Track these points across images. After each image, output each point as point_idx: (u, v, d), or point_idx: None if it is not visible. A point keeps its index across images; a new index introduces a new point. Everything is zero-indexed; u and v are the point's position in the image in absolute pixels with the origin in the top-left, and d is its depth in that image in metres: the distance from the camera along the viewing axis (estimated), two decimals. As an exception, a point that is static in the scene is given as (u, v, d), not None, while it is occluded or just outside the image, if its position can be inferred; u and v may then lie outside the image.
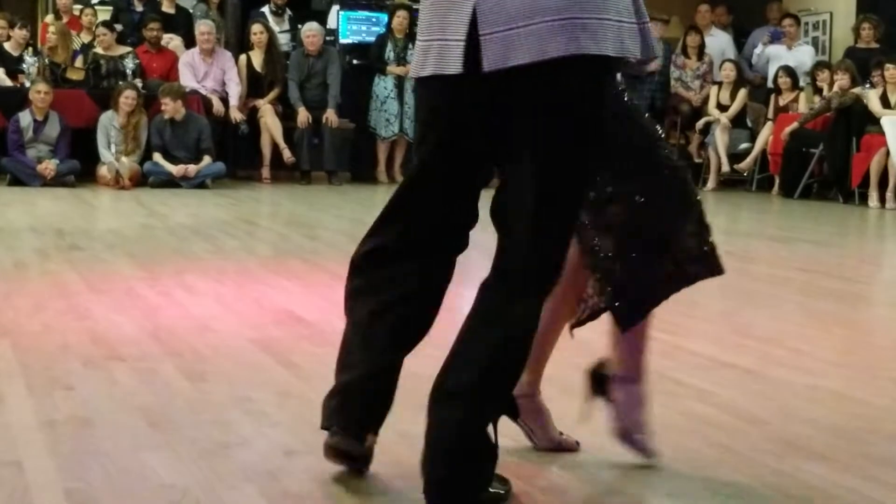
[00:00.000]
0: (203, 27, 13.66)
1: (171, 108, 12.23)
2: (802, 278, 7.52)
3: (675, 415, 3.88)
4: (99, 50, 13.42)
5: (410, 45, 14.12)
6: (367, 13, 14.97)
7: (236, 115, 13.43)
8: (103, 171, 12.16)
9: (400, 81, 14.01)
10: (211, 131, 12.70)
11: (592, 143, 2.91)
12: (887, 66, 12.98)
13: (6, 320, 5.18)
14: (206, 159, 12.45)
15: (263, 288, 6.33)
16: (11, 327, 5.02)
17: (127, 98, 12.21)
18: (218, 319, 5.38)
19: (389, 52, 14.09)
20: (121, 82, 12.40)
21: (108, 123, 12.31)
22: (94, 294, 5.90)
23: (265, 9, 14.83)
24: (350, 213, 10.76)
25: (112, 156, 12.20)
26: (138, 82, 13.00)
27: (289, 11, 14.97)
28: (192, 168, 12.27)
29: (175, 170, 12.22)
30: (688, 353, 4.93)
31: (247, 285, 6.37)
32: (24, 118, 12.12)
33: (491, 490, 3.00)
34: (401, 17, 14.14)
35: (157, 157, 12.34)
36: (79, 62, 13.38)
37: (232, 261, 7.44)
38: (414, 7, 14.44)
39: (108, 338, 4.86)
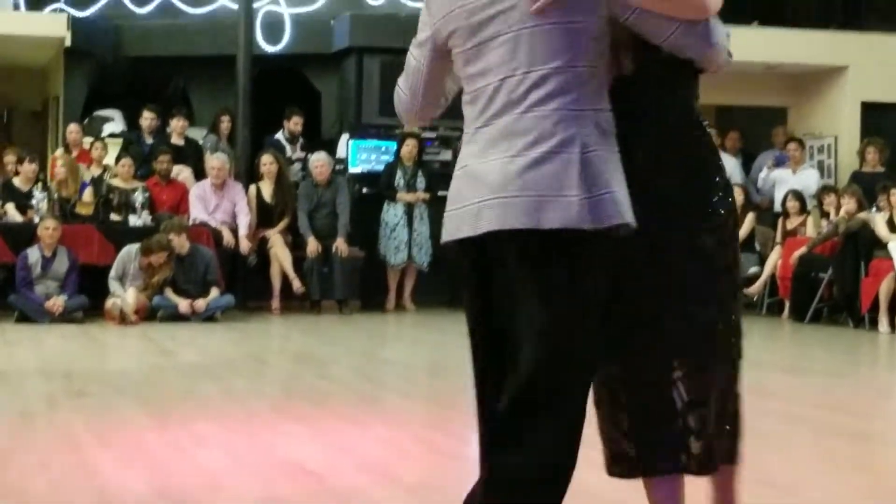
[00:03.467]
0: (215, 162, 13.75)
1: (176, 242, 12.25)
2: (818, 415, 7.45)
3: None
4: (115, 182, 13.50)
5: (420, 173, 14.22)
6: (376, 142, 15.07)
7: (245, 247, 13.46)
8: (109, 305, 12.12)
9: (409, 209, 14.09)
10: (218, 263, 12.70)
11: None
12: (893, 191, 13.02)
13: (11, 479, 5.12)
14: (214, 292, 12.44)
15: (273, 436, 6.26)
16: (16, 487, 4.96)
17: (159, 258, 12.20)
18: (227, 474, 5.32)
19: (399, 180, 14.17)
20: (155, 237, 12.31)
21: (129, 259, 12.31)
22: (103, 447, 5.84)
23: (279, 135, 14.98)
24: (361, 347, 10.71)
25: (122, 288, 12.18)
26: (147, 215, 13.07)
27: (302, 139, 15.11)
28: (200, 303, 12.25)
29: (183, 305, 12.20)
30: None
31: (256, 433, 6.30)
32: (33, 254, 12.14)
33: None
34: (410, 146, 14.24)
35: (167, 290, 12.33)
36: (87, 195, 13.41)
37: (241, 404, 7.38)
38: (422, 136, 14.59)
39: (117, 498, 4.80)
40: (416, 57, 3.43)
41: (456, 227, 3.22)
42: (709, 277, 3.39)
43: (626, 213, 3.13)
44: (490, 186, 3.13)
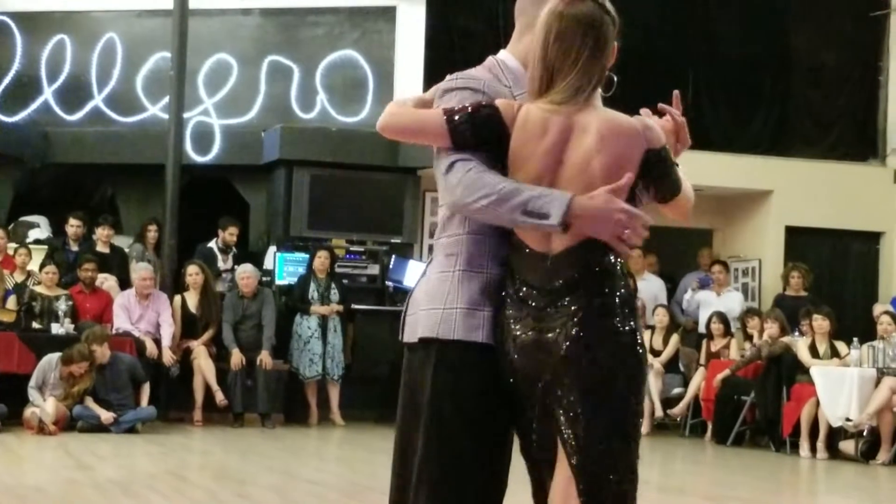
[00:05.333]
0: (143, 272, 13.68)
1: (98, 352, 12.12)
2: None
3: None
4: (38, 289, 13.37)
5: (333, 285, 14.21)
6: (303, 254, 15.04)
7: (168, 358, 13.37)
8: (28, 414, 11.93)
9: (323, 321, 14.05)
10: (141, 367, 12.65)
11: None
12: (815, 316, 13.18)
13: None
14: (146, 389, 12.45)
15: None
16: None
17: (80, 367, 12.05)
18: None
19: (313, 292, 14.14)
20: (76, 347, 12.17)
21: (49, 368, 12.15)
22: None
23: (212, 244, 14.95)
24: (282, 465, 10.57)
25: (41, 398, 12.00)
26: (70, 323, 12.93)
27: (234, 250, 15.09)
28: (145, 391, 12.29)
29: (104, 416, 12.05)
30: None
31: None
32: (-49, 362, 11.96)
33: None
34: (322, 258, 14.28)
35: (88, 400, 12.17)
36: (11, 303, 13.27)
37: (158, 525, 7.27)
38: (334, 248, 14.66)
39: None
40: None
41: None
42: None
43: (414, 332, 3.55)
44: None
